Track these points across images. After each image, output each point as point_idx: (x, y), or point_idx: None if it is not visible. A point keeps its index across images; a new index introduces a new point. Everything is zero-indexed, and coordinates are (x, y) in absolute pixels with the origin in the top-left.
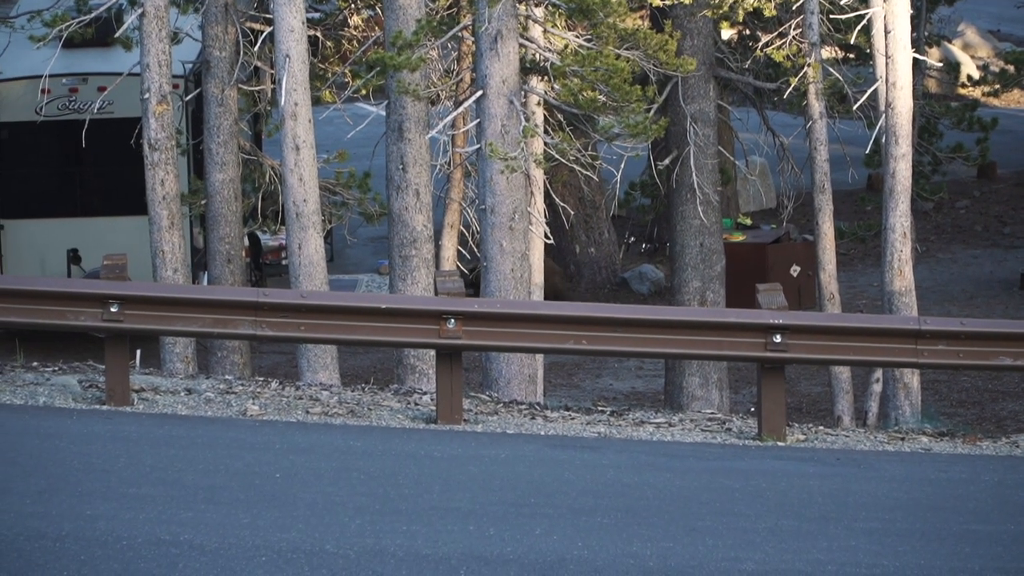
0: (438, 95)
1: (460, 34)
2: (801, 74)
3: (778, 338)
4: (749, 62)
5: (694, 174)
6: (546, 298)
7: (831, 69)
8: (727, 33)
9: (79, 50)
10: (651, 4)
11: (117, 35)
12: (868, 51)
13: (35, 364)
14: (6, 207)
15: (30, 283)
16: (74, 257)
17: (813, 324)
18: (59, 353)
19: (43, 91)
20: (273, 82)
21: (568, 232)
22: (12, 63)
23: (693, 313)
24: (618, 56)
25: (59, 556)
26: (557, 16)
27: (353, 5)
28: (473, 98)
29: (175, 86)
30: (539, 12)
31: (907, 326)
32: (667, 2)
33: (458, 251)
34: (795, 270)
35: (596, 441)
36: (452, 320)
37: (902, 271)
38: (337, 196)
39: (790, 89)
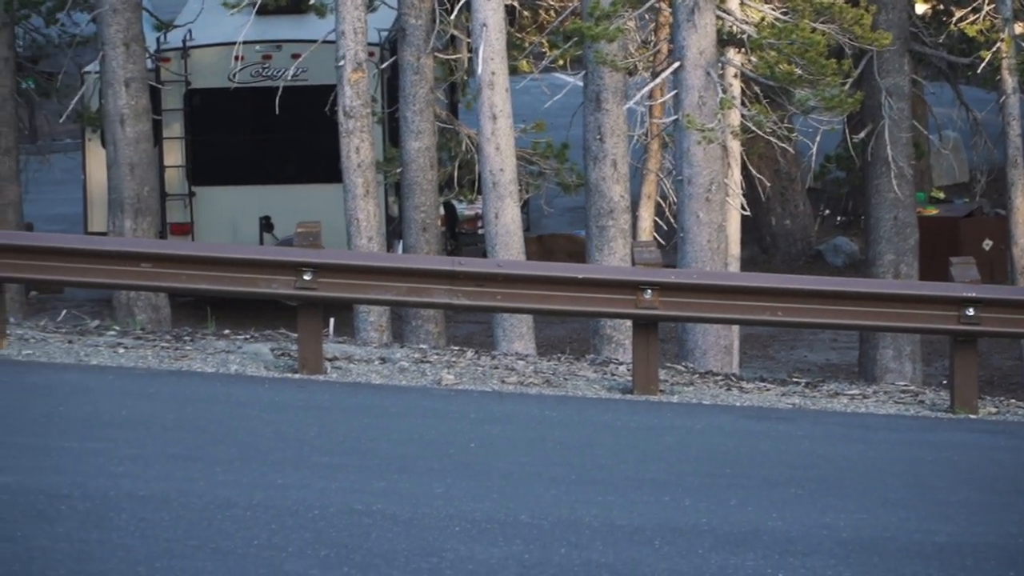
0: (635, 66)
1: (657, 5)
2: (994, 49)
3: (971, 311)
4: (943, 37)
5: (889, 148)
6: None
7: None
8: (921, 8)
9: (273, 17)
10: None
11: (312, 2)
12: None
13: (226, 332)
14: (198, 174)
15: (222, 250)
16: (266, 225)
17: (1006, 298)
18: (251, 321)
19: (236, 58)
20: (470, 51)
21: (764, 204)
22: (205, 30)
23: (887, 286)
24: (814, 29)
25: (249, 525)
26: None
27: None
28: (670, 69)
29: (370, 54)
30: None
31: None
32: None
33: (655, 222)
34: (988, 244)
35: (791, 412)
36: (649, 290)
37: None
38: (534, 166)
39: (983, 64)
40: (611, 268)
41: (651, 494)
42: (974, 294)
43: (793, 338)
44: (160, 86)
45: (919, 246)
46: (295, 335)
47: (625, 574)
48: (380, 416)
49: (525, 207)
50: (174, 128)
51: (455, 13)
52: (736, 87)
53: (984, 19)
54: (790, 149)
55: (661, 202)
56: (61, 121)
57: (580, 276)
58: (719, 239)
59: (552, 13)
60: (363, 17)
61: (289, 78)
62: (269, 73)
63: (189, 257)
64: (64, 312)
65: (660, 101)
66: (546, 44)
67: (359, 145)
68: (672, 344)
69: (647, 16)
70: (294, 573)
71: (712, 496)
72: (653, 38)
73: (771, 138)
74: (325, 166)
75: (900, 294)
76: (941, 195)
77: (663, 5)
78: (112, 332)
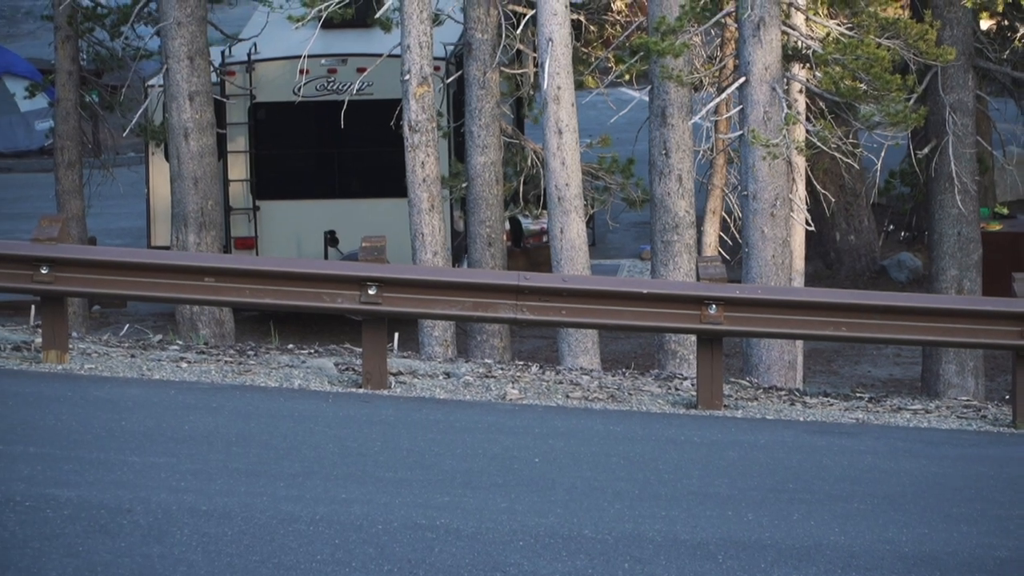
0: (701, 81)
1: (723, 20)
2: None
3: None
4: (1007, 52)
5: (952, 163)
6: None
7: None
8: (986, 23)
9: (338, 31)
10: None
11: (377, 16)
12: None
13: (290, 346)
14: (262, 188)
15: (286, 264)
16: (331, 239)
17: None
18: (315, 336)
19: (301, 71)
20: (535, 66)
21: (828, 219)
22: (270, 43)
23: (950, 301)
24: (878, 45)
25: (313, 540)
26: (819, 4)
27: None
28: (736, 84)
29: (436, 68)
30: (801, 0)
31: None
32: None
33: (720, 237)
34: None
35: (854, 427)
36: (713, 305)
37: None
38: (599, 181)
39: None
40: (676, 283)
41: (714, 509)
42: None
43: (857, 353)
44: (225, 100)
45: (983, 261)
46: (359, 350)
47: None
48: (444, 431)
49: (590, 222)
50: (238, 142)
51: (521, 28)
52: (801, 103)
53: None
54: (855, 165)
55: (726, 217)
56: (125, 135)
57: (645, 291)
58: (784, 254)
59: (618, 28)
60: (429, 31)
61: (354, 92)
62: (334, 87)
63: (253, 271)
64: (127, 326)
65: (725, 116)
66: (612, 59)
67: (424, 160)
68: (736, 359)
69: (713, 31)
70: None
71: (775, 511)
72: (719, 53)
73: (836, 154)
74: (390, 180)
75: (963, 309)
76: (1005, 211)
77: (729, 20)
78: (175, 346)
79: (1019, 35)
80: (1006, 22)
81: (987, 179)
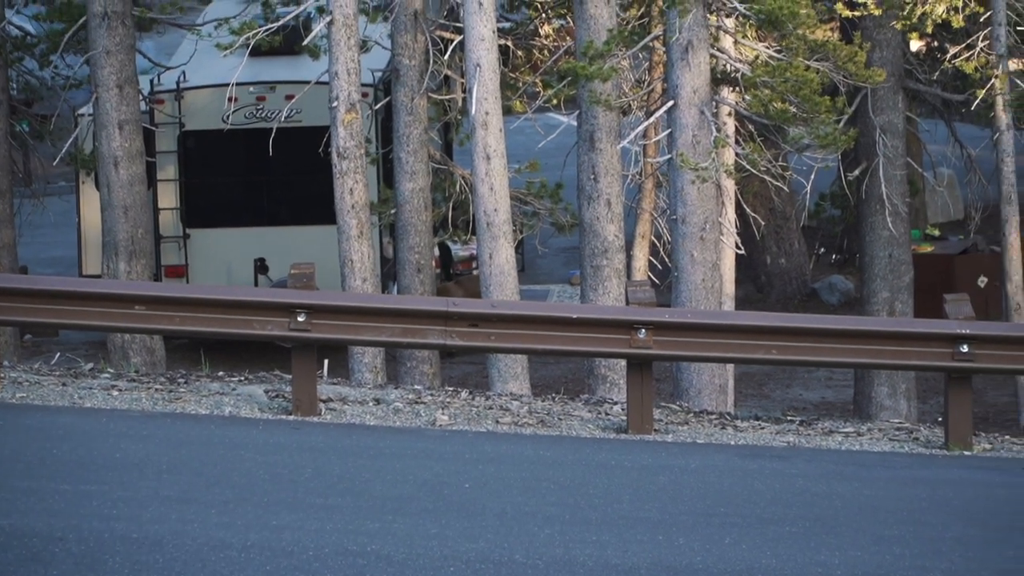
0: (629, 105)
1: (651, 44)
2: (988, 86)
3: (965, 348)
4: (937, 74)
5: (883, 185)
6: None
7: (1018, 81)
8: (915, 44)
9: (266, 58)
10: (840, 15)
11: (305, 43)
12: None
13: (221, 374)
14: (192, 216)
15: (216, 292)
16: (261, 266)
17: (1000, 334)
18: (245, 363)
19: (230, 99)
20: (464, 91)
21: (759, 243)
22: (199, 71)
23: (881, 323)
24: (808, 67)
25: (244, 567)
26: (747, 27)
27: (544, 15)
28: (664, 108)
29: (364, 95)
30: (729, 23)
31: None
32: (856, 13)
33: (649, 261)
34: (982, 281)
35: (785, 451)
36: (643, 330)
37: None
38: (528, 206)
39: (977, 101)
40: (605, 308)
41: (645, 533)
42: (968, 331)
43: (788, 376)
44: (154, 128)
45: (914, 283)
46: (289, 377)
47: None
48: (375, 457)
49: (520, 248)
50: (168, 170)
51: (448, 53)
52: (730, 126)
53: (979, 56)
54: (785, 187)
55: (656, 241)
56: (55, 164)
57: (574, 316)
58: (714, 278)
59: (546, 53)
60: (356, 58)
61: (283, 119)
62: (263, 115)
63: (183, 299)
64: (58, 355)
65: (654, 140)
66: (540, 84)
67: (353, 186)
68: (667, 383)
69: (641, 55)
70: None
71: (706, 535)
72: (647, 77)
73: (766, 176)
74: (320, 207)
75: (894, 332)
76: (936, 232)
77: (657, 44)
78: (106, 375)
79: (949, 56)
80: (936, 43)
81: (918, 201)
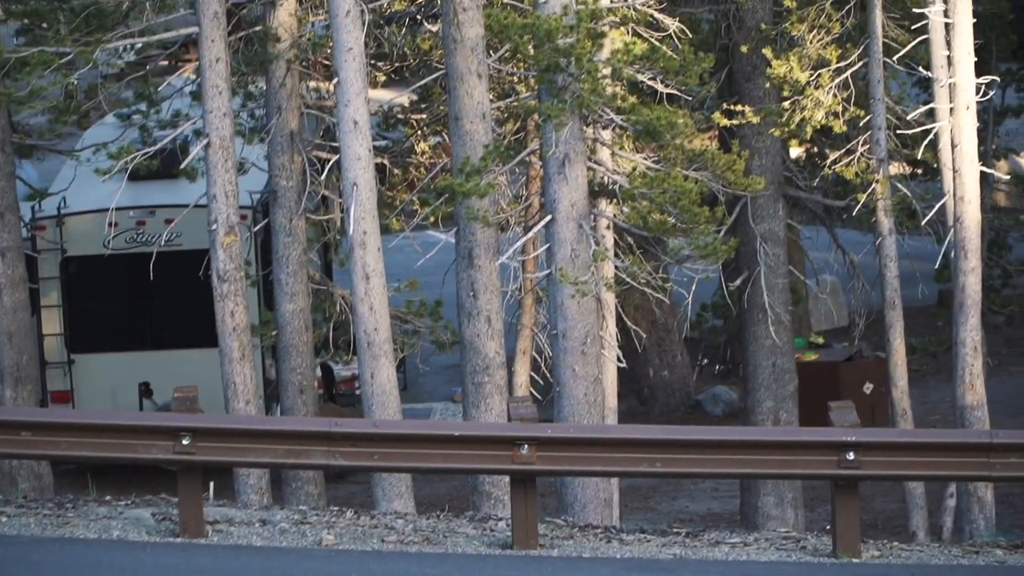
0: (507, 220)
1: (528, 159)
2: (870, 191)
3: (851, 455)
4: (818, 180)
5: (765, 294)
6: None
7: (899, 185)
8: (795, 151)
9: (145, 182)
10: (718, 124)
11: (183, 166)
12: (935, 166)
13: (108, 498)
14: (76, 341)
15: (101, 417)
16: (146, 390)
17: (885, 440)
18: (132, 486)
19: (110, 224)
20: (341, 211)
21: (641, 355)
22: (79, 197)
23: (766, 433)
24: (686, 177)
25: None
26: (625, 138)
27: (420, 132)
28: (542, 223)
29: (243, 217)
30: (606, 135)
31: (979, 440)
32: (735, 122)
33: (531, 377)
34: (868, 387)
35: (672, 563)
36: (526, 446)
37: (973, 385)
38: (408, 324)
39: (859, 206)
40: (487, 425)
41: None
42: (853, 438)
43: (674, 489)
44: (36, 255)
45: (799, 392)
46: (176, 499)
47: None
48: None
49: (401, 366)
50: (51, 296)
51: (325, 173)
52: (609, 238)
53: (859, 161)
54: (666, 299)
55: (536, 357)
56: None
57: (456, 433)
58: (596, 392)
59: (423, 170)
60: (234, 180)
61: (163, 243)
62: (143, 239)
63: (69, 425)
64: None
65: (533, 255)
66: (417, 201)
67: (233, 309)
68: (552, 498)
69: (518, 170)
70: None
71: None
72: (524, 192)
73: (646, 289)
74: (202, 330)
75: (779, 441)
76: (820, 340)
77: (534, 159)
78: None
79: (829, 162)
80: (815, 149)
81: (801, 308)
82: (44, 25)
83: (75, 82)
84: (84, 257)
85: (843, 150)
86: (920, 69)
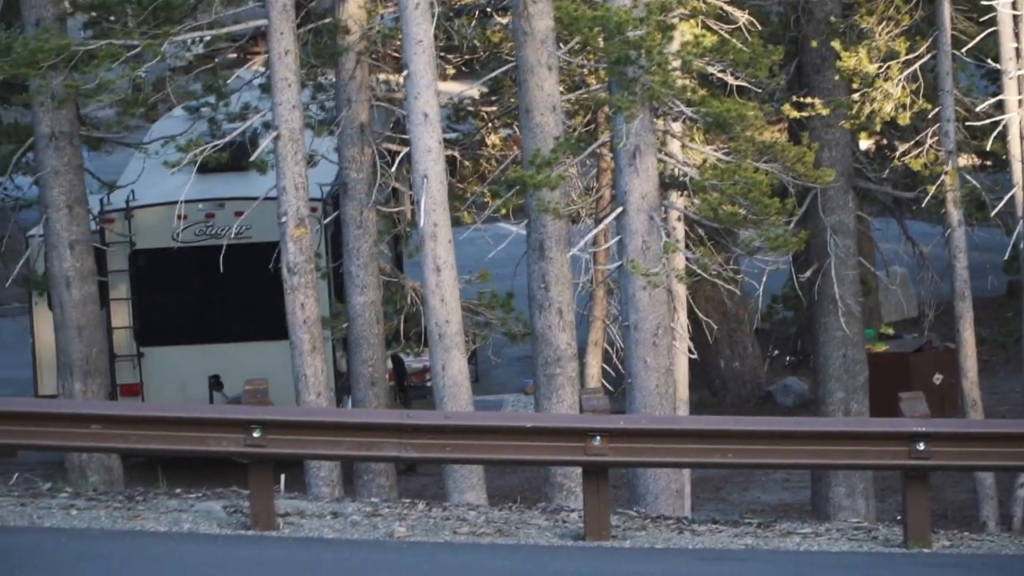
0: (578, 212)
1: (598, 151)
2: (939, 182)
3: (921, 446)
4: (887, 172)
5: (835, 285)
6: None
7: (968, 176)
8: (865, 143)
9: (214, 175)
10: (788, 117)
11: (252, 159)
12: (1004, 157)
13: (178, 491)
14: (145, 334)
15: (171, 410)
16: (216, 383)
17: (956, 431)
18: (202, 479)
19: (179, 217)
20: (412, 203)
21: (712, 346)
22: (148, 189)
23: (837, 424)
24: (756, 169)
25: None
26: (695, 130)
27: (490, 124)
28: (613, 215)
29: (312, 209)
30: (677, 127)
31: None
32: (804, 114)
33: (603, 368)
34: (938, 378)
35: (744, 553)
36: (598, 437)
37: None
38: (480, 316)
39: (928, 198)
40: (559, 416)
41: None
42: (923, 428)
43: (746, 479)
44: (105, 247)
45: (869, 383)
46: (247, 492)
47: None
48: (333, 571)
49: (472, 358)
50: (120, 289)
51: (396, 166)
52: (680, 230)
53: (928, 153)
54: (736, 291)
55: (608, 348)
56: (7, 285)
57: (528, 425)
58: (667, 383)
59: (493, 162)
60: (304, 173)
61: (232, 236)
62: (213, 231)
63: (138, 418)
64: (16, 475)
65: (604, 247)
66: (488, 194)
67: (304, 301)
68: (624, 490)
69: (588, 162)
70: None
71: None
72: (595, 184)
73: (717, 280)
74: (273, 323)
75: (850, 431)
76: (890, 331)
77: (604, 151)
78: (65, 494)
79: (898, 154)
80: (885, 141)
81: (871, 300)
82: (112, 18)
83: (143, 75)
84: (153, 250)
85: (912, 142)
86: (989, 61)
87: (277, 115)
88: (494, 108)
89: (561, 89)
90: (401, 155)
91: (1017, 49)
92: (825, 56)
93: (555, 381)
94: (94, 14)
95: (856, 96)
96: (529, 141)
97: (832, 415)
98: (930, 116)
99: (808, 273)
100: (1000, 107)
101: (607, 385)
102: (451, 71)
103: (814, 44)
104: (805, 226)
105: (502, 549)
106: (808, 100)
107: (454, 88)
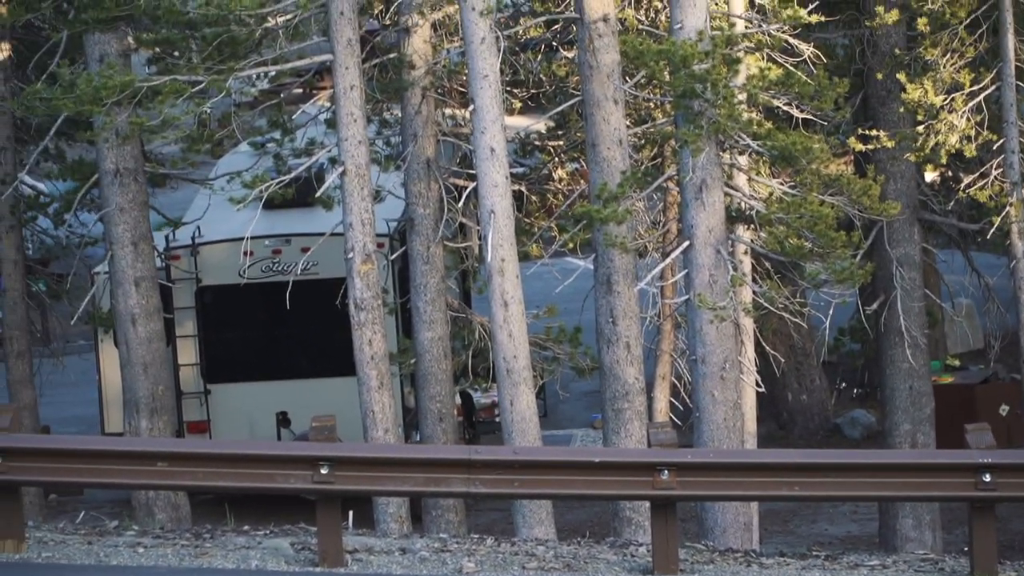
0: (645, 247)
1: (665, 185)
2: (1004, 213)
3: (987, 477)
4: (952, 204)
5: (901, 317)
6: None
7: None
8: (930, 175)
9: (280, 211)
10: (854, 149)
11: (318, 194)
12: None
13: (246, 527)
14: (212, 371)
15: (238, 447)
16: (283, 419)
17: (1022, 462)
18: (270, 516)
19: (245, 253)
20: (479, 238)
21: (779, 379)
22: (213, 225)
23: (903, 456)
24: (822, 202)
25: None
26: (761, 164)
27: (557, 159)
28: (680, 248)
29: (379, 244)
30: (743, 160)
31: None
32: (870, 147)
33: (671, 402)
34: (1004, 409)
35: None
36: (666, 471)
37: None
38: (548, 351)
39: (993, 229)
40: (627, 451)
41: None
42: (990, 460)
43: (813, 512)
44: (171, 284)
45: (935, 414)
46: (315, 528)
47: None
48: None
49: (541, 393)
50: (187, 326)
51: (463, 201)
52: (747, 263)
53: (993, 184)
54: (803, 324)
55: (676, 382)
56: (73, 323)
57: (597, 460)
58: (735, 417)
59: (560, 197)
60: (370, 208)
61: (299, 272)
62: (279, 267)
63: (205, 455)
64: (83, 513)
65: (671, 281)
66: (555, 228)
67: (371, 337)
68: (692, 523)
69: (655, 196)
70: None
71: None
72: (662, 218)
73: (784, 313)
74: (340, 359)
75: (916, 463)
76: (956, 362)
77: (671, 184)
78: (131, 532)
79: (963, 185)
80: (950, 173)
81: (937, 332)
82: (176, 54)
83: (208, 111)
84: (219, 286)
85: (977, 174)
86: None
87: (343, 150)
88: (560, 142)
89: (627, 123)
90: (468, 190)
91: None
92: (890, 88)
93: (623, 415)
94: (158, 50)
95: (921, 128)
96: (596, 175)
97: (899, 447)
98: (995, 147)
99: (874, 305)
100: None
101: (675, 419)
102: (517, 105)
103: (879, 76)
104: (871, 259)
105: None
106: (873, 132)
107: (520, 123)
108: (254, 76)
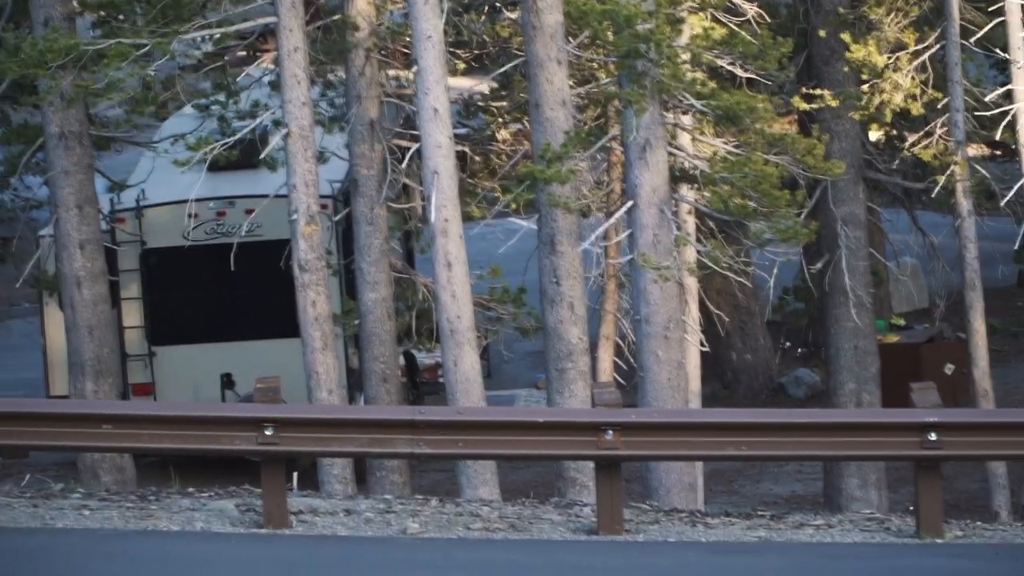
0: (589, 207)
1: (609, 145)
2: (949, 172)
3: (933, 436)
4: (897, 162)
5: (846, 277)
6: None
7: (978, 166)
8: (875, 135)
9: (224, 173)
10: (798, 109)
11: (262, 156)
12: (1014, 147)
13: (191, 490)
14: (157, 333)
15: (183, 409)
16: (228, 381)
17: (967, 421)
18: (215, 478)
19: (190, 215)
20: (423, 199)
21: (723, 339)
22: (158, 188)
23: (849, 415)
24: (767, 162)
25: None
26: (705, 123)
27: (500, 119)
28: (624, 208)
29: (323, 206)
30: (686, 120)
31: None
32: (814, 106)
33: (615, 362)
34: (949, 368)
35: (757, 546)
36: (610, 431)
37: None
38: (491, 312)
39: (938, 188)
40: (571, 411)
41: None
42: (935, 419)
43: (758, 472)
44: (116, 247)
45: (881, 373)
46: (259, 490)
47: None
48: (347, 568)
49: (484, 353)
50: (131, 288)
51: (406, 162)
52: (691, 223)
53: (937, 143)
54: (747, 283)
55: (620, 342)
56: (18, 286)
57: (541, 420)
58: (679, 376)
59: (504, 157)
60: (314, 170)
61: (243, 234)
62: (224, 230)
63: (150, 417)
64: (29, 476)
65: (615, 241)
66: (499, 189)
67: (315, 298)
68: (636, 483)
69: (599, 156)
70: None
71: None
72: (606, 178)
73: (728, 273)
74: (284, 320)
75: (862, 423)
76: (902, 322)
77: (614, 144)
78: (77, 494)
79: (908, 144)
80: (894, 132)
81: (882, 291)
82: (121, 17)
83: (152, 73)
84: (164, 249)
85: (922, 132)
86: (997, 51)
87: (287, 112)
88: (504, 103)
89: (571, 83)
90: (411, 151)
91: None
92: (834, 48)
93: (567, 376)
94: (103, 13)
95: (865, 87)
96: (539, 136)
97: (844, 406)
98: (940, 106)
99: (819, 265)
100: (1009, 97)
101: (619, 379)
102: (461, 67)
103: (823, 36)
104: (815, 218)
105: (515, 544)
106: (817, 92)
107: (464, 84)
108: (198, 39)
